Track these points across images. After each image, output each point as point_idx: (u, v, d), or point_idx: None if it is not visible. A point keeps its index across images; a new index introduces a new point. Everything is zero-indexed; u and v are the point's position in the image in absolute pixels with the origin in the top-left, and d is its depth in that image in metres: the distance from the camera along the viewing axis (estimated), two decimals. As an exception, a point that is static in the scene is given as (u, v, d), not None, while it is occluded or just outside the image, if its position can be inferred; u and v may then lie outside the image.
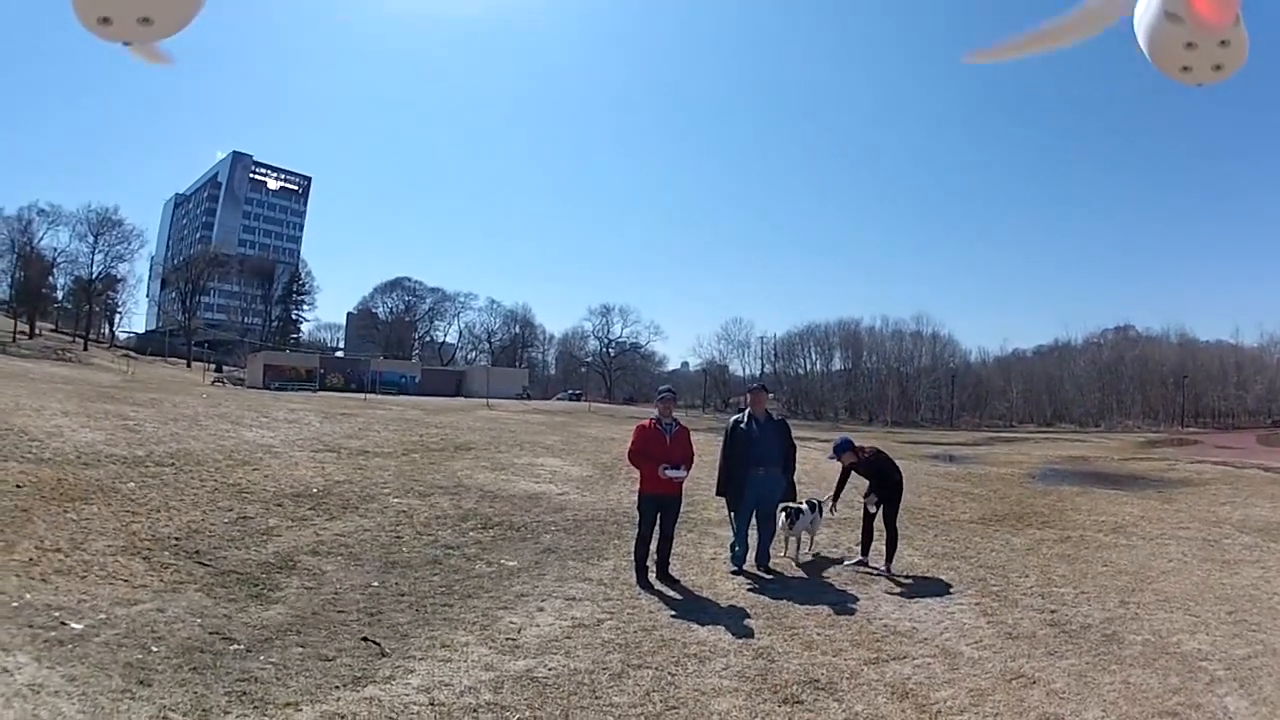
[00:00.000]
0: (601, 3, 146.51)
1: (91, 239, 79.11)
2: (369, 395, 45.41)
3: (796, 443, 8.40)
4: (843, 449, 8.32)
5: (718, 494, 8.18)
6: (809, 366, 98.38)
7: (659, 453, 7.24)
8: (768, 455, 7.87)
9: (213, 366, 73.21)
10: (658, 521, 7.25)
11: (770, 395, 8.94)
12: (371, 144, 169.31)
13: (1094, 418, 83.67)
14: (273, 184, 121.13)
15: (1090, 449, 35.93)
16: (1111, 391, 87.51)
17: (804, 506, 8.26)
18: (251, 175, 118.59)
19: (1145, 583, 7.77)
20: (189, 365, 77.99)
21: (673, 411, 7.65)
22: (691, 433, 7.76)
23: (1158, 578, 8.02)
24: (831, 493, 8.74)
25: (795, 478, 8.39)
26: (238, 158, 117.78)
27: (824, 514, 8.70)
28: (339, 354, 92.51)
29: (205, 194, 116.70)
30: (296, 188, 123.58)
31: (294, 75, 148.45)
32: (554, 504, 10.62)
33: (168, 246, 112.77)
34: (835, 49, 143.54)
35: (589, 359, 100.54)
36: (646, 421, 7.54)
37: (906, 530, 9.42)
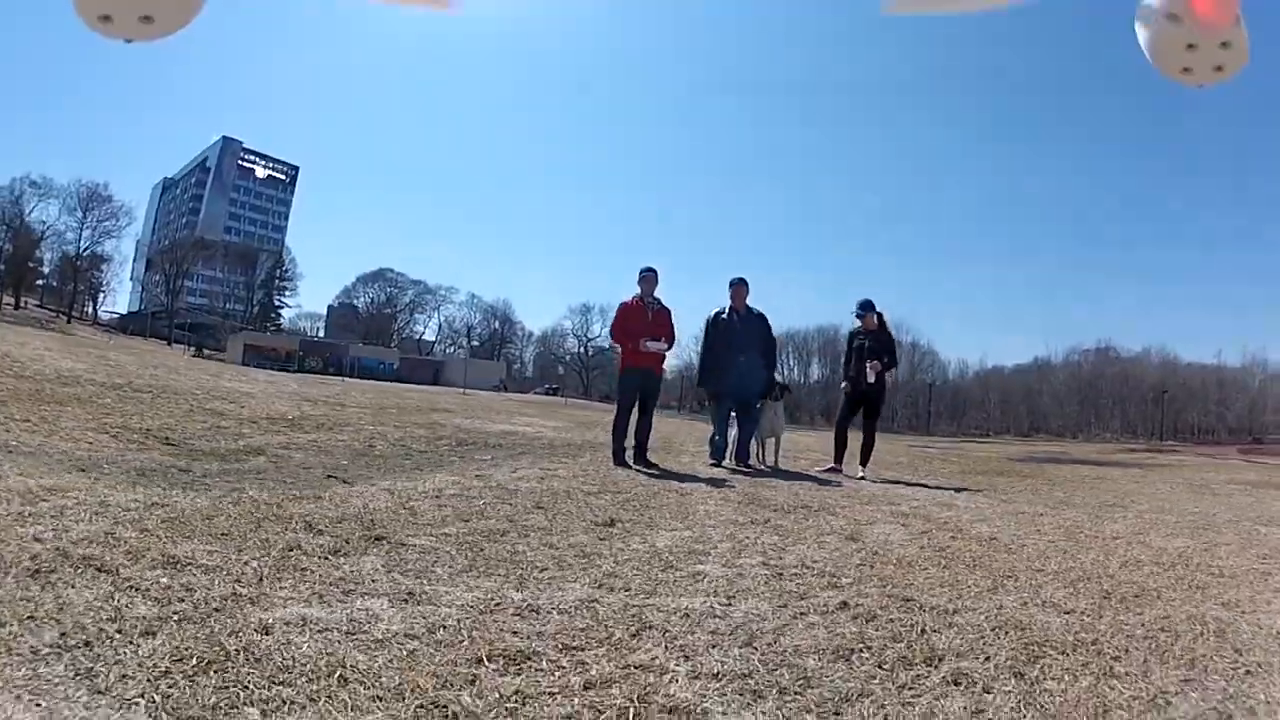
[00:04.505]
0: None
1: (80, 213, 77.69)
2: (346, 378, 45.00)
3: None
4: (868, 307, 8.25)
5: (699, 385, 8.17)
6: (786, 372, 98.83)
7: (640, 328, 7.15)
8: (748, 344, 7.74)
9: (192, 347, 72.50)
10: (636, 402, 7.10)
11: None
12: (359, 135, 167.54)
13: (1071, 430, 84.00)
14: (260, 172, 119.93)
15: (1069, 448, 36.21)
16: (1090, 406, 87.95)
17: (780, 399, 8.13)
18: (240, 162, 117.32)
19: (1139, 499, 7.58)
20: (170, 345, 77.10)
21: (654, 291, 7.47)
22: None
23: (1150, 496, 7.89)
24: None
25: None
26: (227, 143, 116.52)
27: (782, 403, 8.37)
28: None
29: (193, 179, 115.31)
30: (284, 176, 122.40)
31: (285, 62, 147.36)
32: (529, 436, 10.50)
33: (154, 230, 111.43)
34: (818, 54, 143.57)
35: (566, 358, 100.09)
36: (630, 299, 7.38)
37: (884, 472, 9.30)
